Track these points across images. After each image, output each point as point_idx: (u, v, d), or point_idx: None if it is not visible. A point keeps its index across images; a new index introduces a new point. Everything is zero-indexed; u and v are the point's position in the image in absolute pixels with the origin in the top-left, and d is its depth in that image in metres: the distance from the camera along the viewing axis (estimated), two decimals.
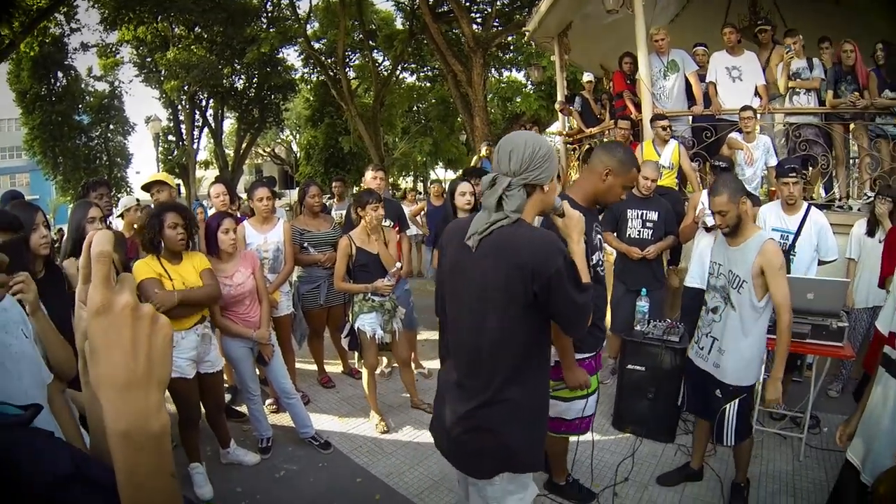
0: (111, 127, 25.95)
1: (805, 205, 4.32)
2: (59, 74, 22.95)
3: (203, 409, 3.73)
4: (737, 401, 3.10)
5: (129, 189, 26.24)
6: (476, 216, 2.02)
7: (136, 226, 4.60)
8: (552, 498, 3.50)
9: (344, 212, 5.51)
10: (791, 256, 4.23)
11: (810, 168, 5.95)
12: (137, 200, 5.11)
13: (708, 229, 4.36)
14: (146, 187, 4.79)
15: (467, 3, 17.92)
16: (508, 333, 1.95)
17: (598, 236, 2.83)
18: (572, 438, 3.29)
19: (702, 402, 3.37)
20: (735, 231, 3.04)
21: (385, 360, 5.42)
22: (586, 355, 2.92)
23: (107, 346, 0.61)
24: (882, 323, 2.18)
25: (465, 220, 2.12)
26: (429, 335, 6.62)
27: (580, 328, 2.04)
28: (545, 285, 1.85)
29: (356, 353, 4.63)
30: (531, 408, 2.05)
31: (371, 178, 5.11)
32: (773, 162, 5.41)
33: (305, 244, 4.81)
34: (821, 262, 4.33)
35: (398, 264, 4.33)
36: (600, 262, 2.84)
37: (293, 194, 21.94)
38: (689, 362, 3.42)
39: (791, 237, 4.26)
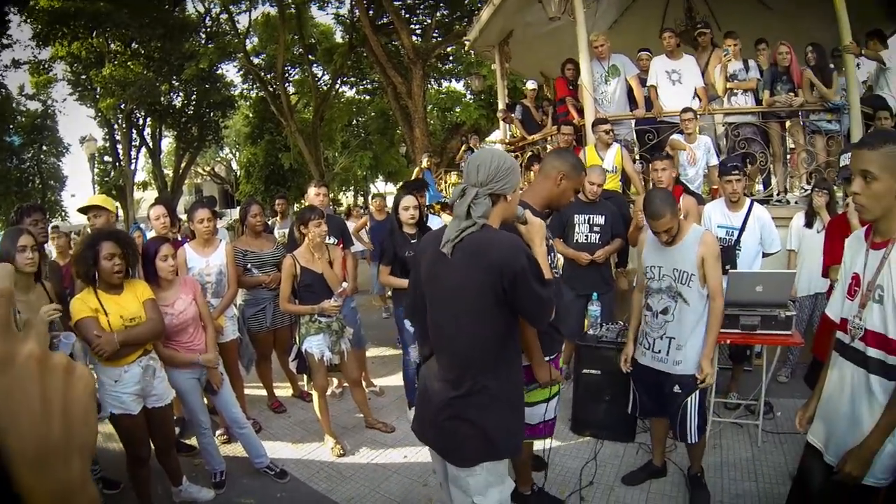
0: (44, 148, 25.01)
1: (748, 201, 4.45)
2: None
3: (152, 446, 3.50)
4: (696, 394, 3.18)
5: (63, 214, 25.33)
6: (448, 225, 2.20)
7: (69, 251, 4.37)
8: None
9: (287, 230, 5.38)
10: (737, 251, 4.32)
11: (749, 165, 6.11)
12: (56, 226, 4.86)
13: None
14: (83, 210, 4.55)
15: (407, 15, 17.99)
16: (482, 329, 2.12)
17: (550, 241, 2.85)
18: (541, 444, 3.31)
19: (657, 403, 3.41)
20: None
21: (336, 380, 5.30)
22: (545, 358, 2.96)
23: (11, 413, 0.49)
24: (832, 310, 2.23)
25: (438, 231, 2.30)
26: (378, 352, 6.54)
27: (544, 319, 2.21)
28: (512, 281, 2.01)
29: (305, 376, 4.50)
30: (506, 396, 2.20)
31: (314, 195, 5.01)
32: (714, 161, 5.55)
33: (249, 265, 4.67)
34: (765, 255, 4.46)
35: (344, 284, 4.23)
36: (555, 265, 2.91)
37: (234, 214, 21.57)
38: (638, 366, 3.42)
39: (736, 233, 4.35)
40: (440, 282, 2.22)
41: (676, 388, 3.21)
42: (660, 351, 3.26)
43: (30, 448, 0.50)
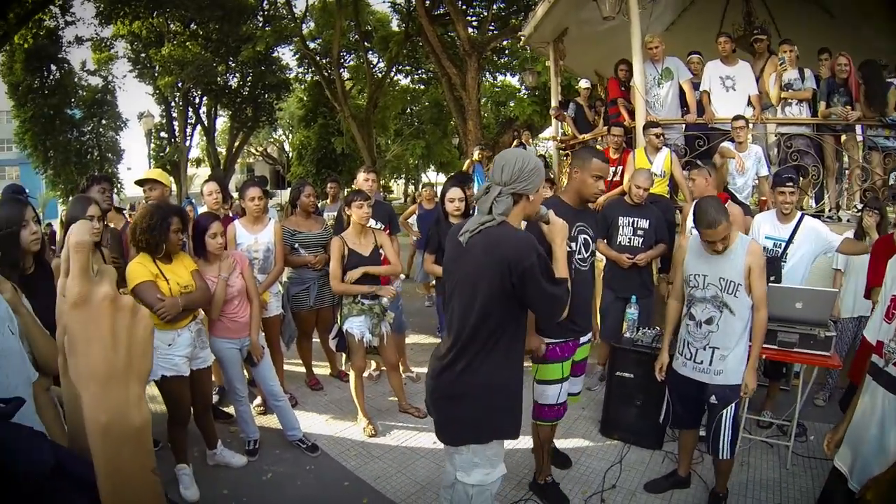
0: (103, 122, 25.60)
1: (798, 214, 4.34)
2: (53, 67, 22.68)
3: (193, 408, 3.68)
4: (732, 407, 3.16)
5: (120, 185, 26.07)
6: (472, 217, 2.37)
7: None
8: (535, 500, 3.52)
9: (336, 213, 5.48)
10: (783, 263, 4.24)
11: (801, 178, 5.98)
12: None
13: None
14: (140, 182, 4.75)
15: (463, 7, 17.97)
16: (488, 315, 2.25)
17: (584, 236, 3.17)
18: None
19: (691, 414, 3.40)
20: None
21: (374, 363, 5.40)
22: (549, 340, 3.22)
23: (86, 339, 0.60)
24: (870, 332, 2.21)
25: (463, 223, 2.40)
26: (418, 339, 6.62)
27: (554, 316, 2.38)
28: (521, 277, 2.16)
29: (343, 356, 4.60)
30: (500, 379, 2.35)
31: (363, 180, 5.09)
32: (764, 172, 5.45)
33: (296, 245, 4.78)
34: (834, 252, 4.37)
35: (401, 278, 4.33)
36: (584, 261, 3.19)
37: (284, 194, 21.89)
38: (676, 376, 3.39)
39: (783, 245, 4.28)
40: (458, 269, 2.38)
41: (713, 399, 3.19)
42: (702, 361, 3.22)
43: (100, 369, 0.60)
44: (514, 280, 2.17)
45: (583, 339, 3.44)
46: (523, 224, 2.54)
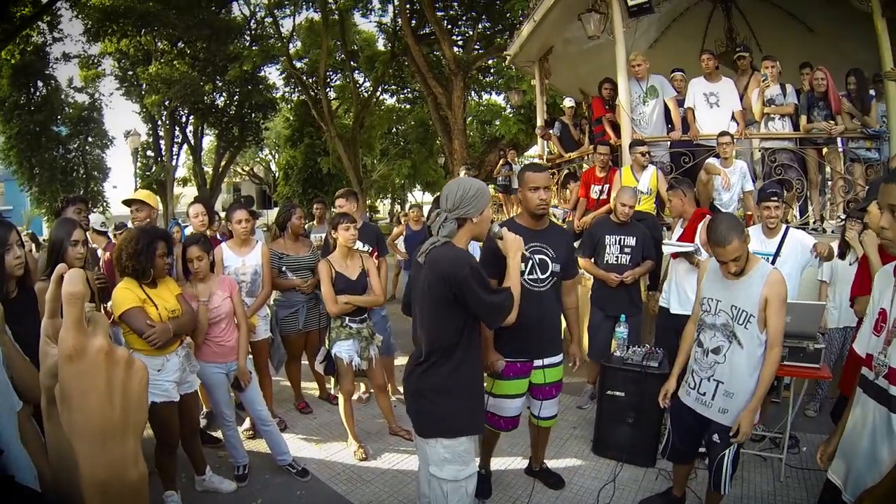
0: (90, 140, 25.51)
1: (783, 227, 4.37)
2: (40, 84, 22.62)
3: (180, 432, 3.62)
4: (735, 446, 2.97)
5: (105, 204, 25.92)
6: (428, 240, 2.66)
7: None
8: None
9: (324, 234, 5.46)
10: None
11: (785, 192, 6.03)
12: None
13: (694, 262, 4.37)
14: (127, 203, 4.71)
15: (449, 26, 18.13)
16: (438, 324, 2.58)
17: (540, 256, 3.28)
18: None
19: (690, 448, 3.28)
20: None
21: (363, 385, 5.37)
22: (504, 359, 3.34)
23: (81, 393, 0.58)
24: (859, 345, 2.21)
25: (417, 238, 2.60)
26: (406, 360, 6.57)
27: (494, 322, 2.69)
28: (459, 288, 2.43)
29: (333, 379, 4.56)
30: (457, 382, 2.61)
31: (338, 207, 5.07)
32: (750, 187, 5.50)
33: (283, 268, 4.76)
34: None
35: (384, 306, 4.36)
36: (538, 281, 3.29)
37: (271, 214, 21.82)
38: (680, 405, 3.22)
39: (770, 259, 4.29)
40: (417, 284, 2.69)
41: (716, 438, 3.01)
42: (705, 393, 3.02)
43: (96, 425, 0.58)
44: (454, 290, 2.44)
45: (542, 363, 3.41)
46: (473, 244, 2.91)
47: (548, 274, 3.29)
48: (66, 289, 0.59)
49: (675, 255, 4.51)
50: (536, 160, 10.56)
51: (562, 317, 3.68)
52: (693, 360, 3.14)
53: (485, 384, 3.02)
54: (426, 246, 2.62)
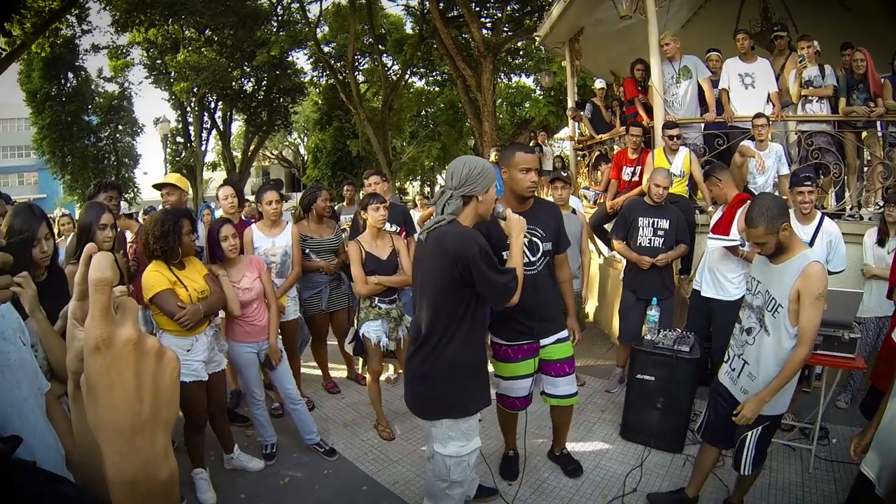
0: (120, 128, 25.96)
1: (818, 214, 4.26)
2: (70, 75, 23.10)
3: (208, 411, 3.68)
4: (758, 430, 2.90)
5: (136, 190, 26.35)
6: (431, 218, 2.70)
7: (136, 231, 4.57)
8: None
9: (352, 216, 5.47)
10: None
11: (822, 176, 5.88)
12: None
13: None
14: (158, 186, 4.75)
15: (477, 8, 17.96)
16: (443, 303, 2.58)
17: (525, 238, 3.10)
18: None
19: (725, 430, 3.10)
20: (777, 256, 2.79)
21: (392, 367, 5.39)
22: (503, 342, 3.37)
23: (108, 387, 0.55)
24: None
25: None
26: None
27: (500, 302, 2.64)
28: (466, 267, 2.44)
29: (361, 360, 4.57)
30: (463, 361, 2.63)
31: (367, 186, 5.11)
32: (785, 170, 5.36)
33: (307, 250, 4.77)
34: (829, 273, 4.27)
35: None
36: (527, 264, 3.18)
37: (300, 198, 21.96)
38: (718, 383, 3.17)
39: None
40: (420, 263, 2.72)
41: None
42: (734, 369, 3.00)
43: (124, 421, 0.56)
44: (461, 269, 2.45)
45: (547, 340, 3.39)
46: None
47: (539, 255, 3.25)
48: (94, 275, 0.56)
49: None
50: (567, 142, 10.46)
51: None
52: (733, 335, 3.10)
53: (489, 367, 3.05)
54: (430, 224, 2.66)
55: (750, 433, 2.91)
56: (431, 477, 2.85)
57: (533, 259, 3.24)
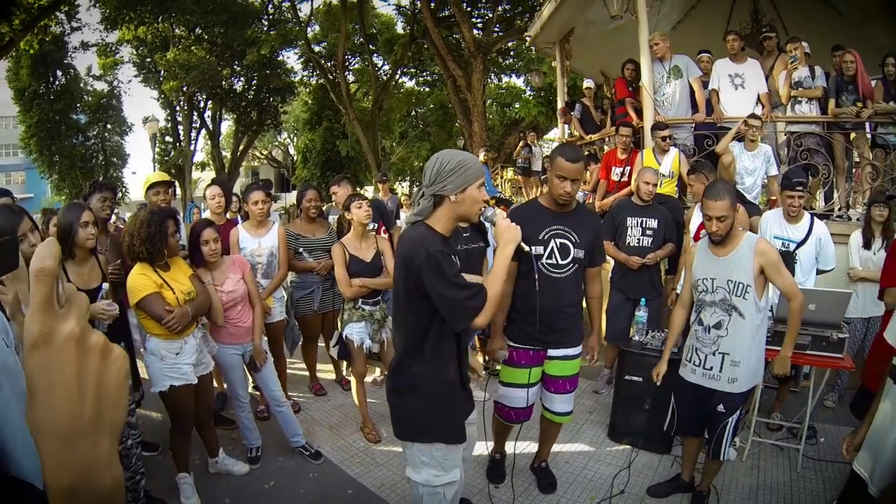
0: (108, 127, 25.82)
1: (807, 215, 4.28)
2: (58, 73, 22.92)
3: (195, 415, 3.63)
4: (736, 413, 3.10)
5: (125, 190, 26.20)
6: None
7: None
8: None
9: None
10: (794, 264, 4.15)
11: (811, 177, 5.89)
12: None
13: None
14: (152, 186, 4.61)
15: (469, 9, 17.96)
16: (407, 316, 2.33)
17: (560, 240, 3.11)
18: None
19: (697, 422, 3.32)
20: (724, 240, 3.03)
21: (378, 369, 5.35)
22: (514, 344, 3.28)
23: (47, 387, 0.50)
24: (890, 335, 2.14)
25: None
26: None
27: (456, 322, 2.23)
28: (416, 277, 2.15)
29: (345, 363, 4.54)
30: (431, 383, 2.33)
31: (332, 193, 5.12)
32: (774, 171, 5.37)
33: (300, 249, 4.73)
34: (819, 272, 4.29)
35: None
36: (557, 267, 3.14)
37: (290, 197, 21.84)
38: (684, 384, 3.28)
39: (792, 245, 4.21)
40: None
41: (720, 408, 3.11)
42: (712, 367, 3.11)
43: (63, 423, 0.51)
44: (413, 279, 2.18)
45: (558, 353, 3.31)
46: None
47: (569, 260, 3.14)
48: (35, 264, 0.51)
49: None
50: (556, 142, 10.45)
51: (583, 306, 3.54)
52: (695, 339, 3.22)
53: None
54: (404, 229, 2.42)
55: (728, 421, 3.09)
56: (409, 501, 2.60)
57: (562, 262, 3.14)
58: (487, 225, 2.46)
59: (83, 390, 0.52)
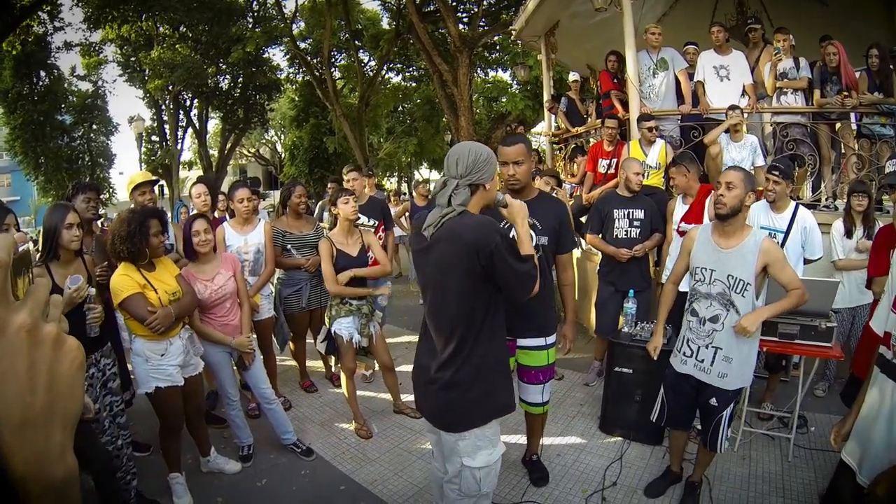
0: (94, 127, 25.50)
1: (793, 204, 4.29)
2: (42, 73, 22.61)
3: (186, 415, 3.59)
4: (730, 406, 3.08)
5: (111, 190, 25.97)
6: (431, 212, 2.40)
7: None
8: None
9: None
10: None
11: (797, 167, 5.92)
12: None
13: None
14: (137, 186, 4.54)
15: (454, 3, 17.90)
16: (465, 302, 2.31)
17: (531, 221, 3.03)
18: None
19: (687, 414, 3.31)
20: (730, 226, 2.98)
21: (364, 364, 5.35)
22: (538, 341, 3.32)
23: None
24: (876, 323, 2.15)
25: (427, 212, 2.46)
26: (412, 337, 6.56)
27: (524, 293, 2.35)
28: (489, 258, 2.19)
29: (334, 359, 4.53)
30: (492, 361, 2.39)
31: (346, 182, 5.08)
32: (760, 162, 5.39)
33: (288, 246, 4.71)
34: (807, 261, 4.31)
35: (388, 284, 4.28)
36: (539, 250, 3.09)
37: (277, 195, 21.73)
38: (674, 374, 3.27)
39: (780, 236, 4.22)
40: (427, 263, 2.43)
41: (713, 402, 3.08)
42: (703, 360, 3.09)
43: (14, 414, 0.51)
44: (483, 263, 2.21)
45: (528, 342, 3.31)
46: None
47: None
48: None
49: None
50: (543, 136, 10.45)
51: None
52: (688, 329, 3.19)
53: None
54: (435, 218, 2.34)
55: (723, 413, 3.06)
56: (455, 496, 2.51)
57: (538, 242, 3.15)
58: (500, 209, 2.55)
59: (34, 381, 0.53)
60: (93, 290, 3.11)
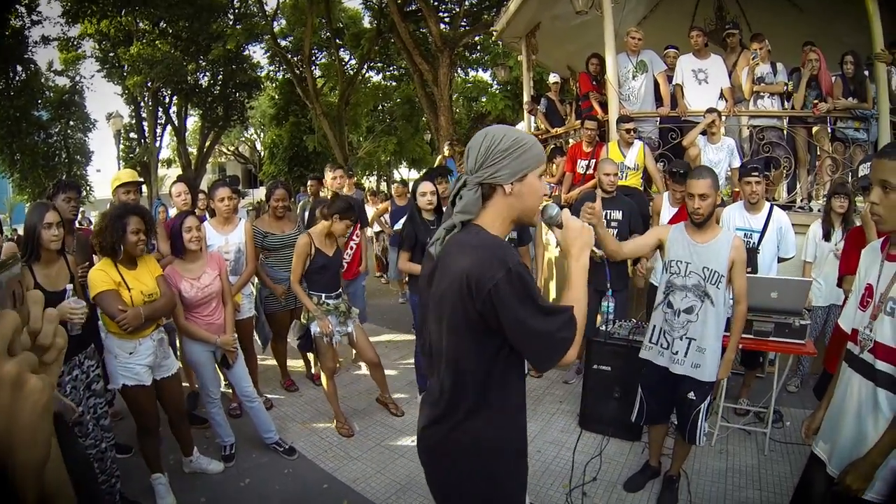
0: (71, 123, 25.05)
1: (767, 205, 4.39)
2: (19, 68, 22.14)
3: (167, 416, 3.61)
4: (707, 399, 3.18)
5: (89, 188, 25.60)
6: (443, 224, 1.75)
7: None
8: None
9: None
10: (756, 254, 4.28)
11: (773, 170, 6.04)
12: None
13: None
14: (123, 186, 4.46)
15: (435, 3, 17.89)
16: (461, 354, 1.63)
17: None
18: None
19: (664, 408, 3.39)
20: (703, 225, 3.11)
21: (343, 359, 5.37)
22: None
23: None
24: (844, 321, 2.21)
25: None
26: (392, 336, 6.63)
27: (544, 361, 1.60)
28: (487, 301, 1.50)
29: (312, 357, 4.53)
30: (497, 440, 1.70)
31: (331, 179, 5.08)
32: (737, 164, 5.49)
33: (268, 250, 4.76)
34: (780, 260, 4.41)
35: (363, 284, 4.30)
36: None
37: (257, 193, 21.57)
38: (651, 367, 3.35)
39: (756, 236, 4.32)
40: (428, 288, 1.76)
41: (691, 395, 3.17)
42: (677, 352, 3.19)
43: None
44: (479, 306, 1.52)
45: None
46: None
47: None
48: None
49: None
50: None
51: None
52: (663, 321, 3.29)
53: None
54: (441, 230, 1.68)
55: (701, 406, 3.16)
56: None
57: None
58: (553, 228, 1.84)
59: None
60: (70, 287, 3.09)
